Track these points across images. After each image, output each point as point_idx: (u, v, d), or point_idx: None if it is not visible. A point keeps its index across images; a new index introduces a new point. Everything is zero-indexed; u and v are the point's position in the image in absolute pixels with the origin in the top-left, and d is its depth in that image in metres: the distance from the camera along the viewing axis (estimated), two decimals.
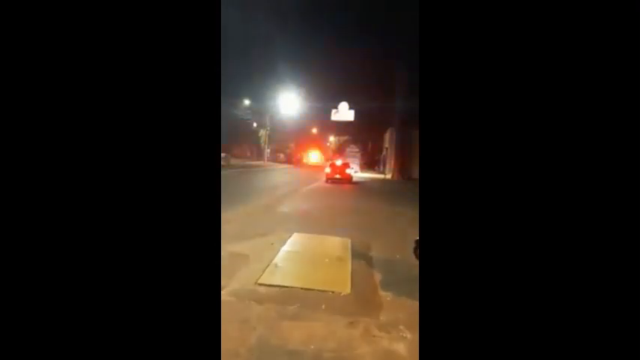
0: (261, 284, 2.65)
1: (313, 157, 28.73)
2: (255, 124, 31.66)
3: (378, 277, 3.07)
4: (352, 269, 3.19)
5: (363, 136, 25.26)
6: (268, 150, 30.68)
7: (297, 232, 4.48)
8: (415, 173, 16.73)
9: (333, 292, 2.62)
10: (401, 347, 1.95)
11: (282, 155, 30.63)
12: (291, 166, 25.62)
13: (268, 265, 3.09)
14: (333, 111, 20.00)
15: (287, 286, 2.65)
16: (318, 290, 2.63)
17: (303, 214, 6.07)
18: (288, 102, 27.74)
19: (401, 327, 2.16)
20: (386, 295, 2.66)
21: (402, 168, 17.79)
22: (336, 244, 4.07)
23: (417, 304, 2.64)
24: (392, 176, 18.46)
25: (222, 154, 24.34)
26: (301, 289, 2.64)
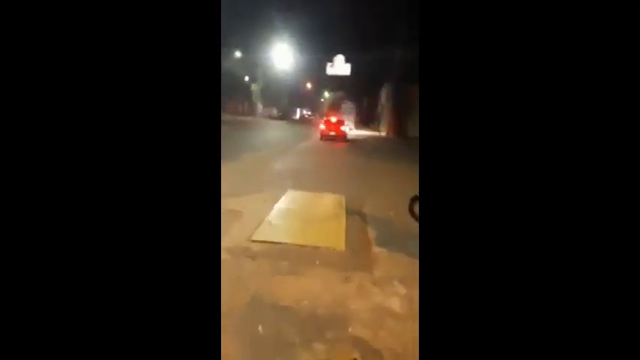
0: (254, 241, 2.60)
1: (307, 113, 28.08)
2: (247, 78, 30.48)
3: (372, 233, 3.05)
4: (346, 226, 3.16)
5: (359, 92, 24.49)
6: (261, 105, 29.86)
7: (292, 189, 4.42)
8: (411, 131, 16.55)
9: (327, 248, 2.60)
10: (395, 302, 1.95)
11: (275, 111, 29.86)
12: (284, 122, 25.08)
13: (262, 222, 3.04)
14: (329, 64, 19.18)
15: (281, 242, 2.62)
16: (312, 246, 2.61)
17: (297, 171, 5.98)
18: (282, 55, 26.53)
19: (395, 282, 2.16)
20: (380, 251, 2.65)
21: (397, 125, 17.54)
22: (330, 201, 4.03)
23: (410, 260, 2.68)
24: (387, 133, 18.27)
25: None
26: (295, 245, 2.61)
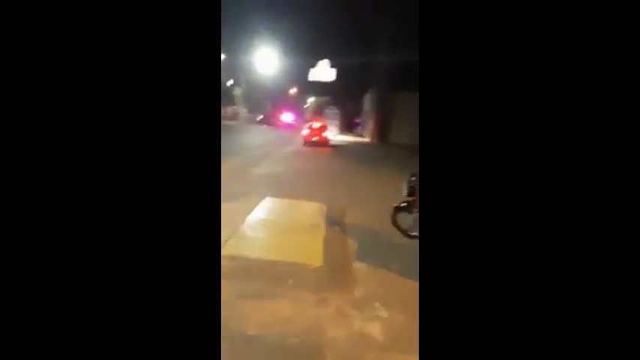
0: (223, 256, 2.35)
1: (289, 118, 27.75)
2: (230, 82, 30.03)
3: (353, 246, 2.85)
4: (326, 238, 2.95)
5: (343, 97, 24.47)
6: (244, 110, 29.43)
7: (271, 196, 4.17)
8: (394, 137, 16.58)
9: (303, 264, 2.38)
10: (376, 328, 1.74)
11: (258, 116, 29.50)
12: (267, 126, 24.76)
13: (233, 234, 2.79)
14: (312, 69, 18.98)
15: (252, 258, 2.38)
16: (287, 262, 2.38)
17: (277, 178, 5.74)
18: (266, 59, 26.27)
19: (376, 304, 1.96)
20: (361, 267, 2.45)
21: (380, 131, 17.56)
22: (310, 209, 3.82)
23: (393, 276, 2.48)
24: (371, 139, 18.27)
25: None
26: (268, 261, 2.38)
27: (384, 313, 1.87)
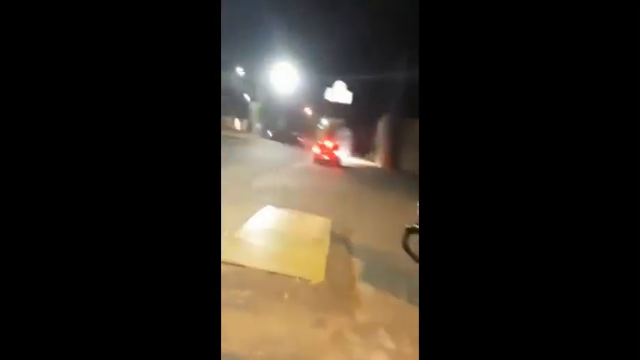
0: None
1: (303, 137, 27.86)
2: (249, 98, 30.44)
3: (358, 266, 2.59)
4: (329, 254, 2.69)
5: (358, 121, 24.49)
6: (259, 125, 29.65)
7: (272, 205, 3.94)
8: (406, 164, 16.37)
9: (301, 278, 2.12)
10: (380, 359, 1.47)
11: (271, 132, 29.70)
12: (279, 143, 24.82)
13: (226, 239, 2.55)
14: (328, 89, 19.09)
15: (244, 266, 2.13)
16: (284, 275, 2.13)
17: (283, 190, 5.52)
18: (283, 77, 26.69)
19: (381, 332, 1.69)
20: (366, 289, 2.18)
21: (393, 157, 17.41)
22: (313, 223, 3.57)
23: (401, 302, 2.21)
24: (382, 164, 18.11)
25: None
26: (262, 271, 2.13)
27: (389, 344, 1.60)
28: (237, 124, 29.73)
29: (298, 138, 24.55)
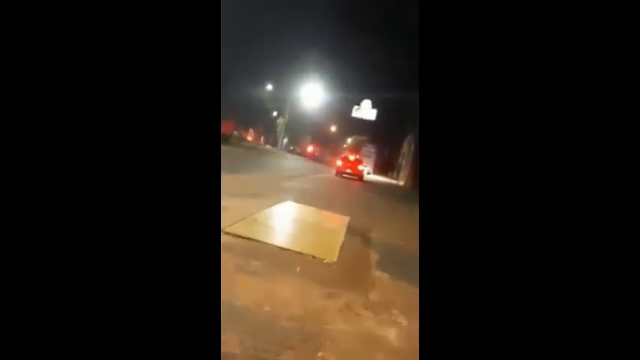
0: (227, 233, 2.11)
1: (310, 149, 27.99)
2: (275, 114, 31.16)
3: (374, 256, 2.51)
4: (345, 242, 2.63)
5: (382, 140, 24.46)
6: (285, 140, 30.20)
7: (293, 200, 3.94)
8: None
9: (314, 257, 2.07)
10: (391, 333, 1.39)
11: (296, 147, 30.11)
12: (304, 157, 25.07)
13: (245, 218, 2.55)
14: (355, 107, 19.33)
15: (258, 240, 2.11)
16: (297, 252, 2.09)
17: (304, 192, 5.53)
18: (310, 94, 27.23)
19: (394, 311, 1.60)
20: (381, 275, 2.10)
21: (416, 176, 17.18)
22: (331, 217, 3.54)
23: (417, 291, 2.11)
24: (405, 183, 17.87)
25: (235, 132, 23.99)
26: (275, 246, 2.10)
27: (402, 320, 1.52)
28: (262, 138, 30.40)
29: (310, 151, 24.80)
